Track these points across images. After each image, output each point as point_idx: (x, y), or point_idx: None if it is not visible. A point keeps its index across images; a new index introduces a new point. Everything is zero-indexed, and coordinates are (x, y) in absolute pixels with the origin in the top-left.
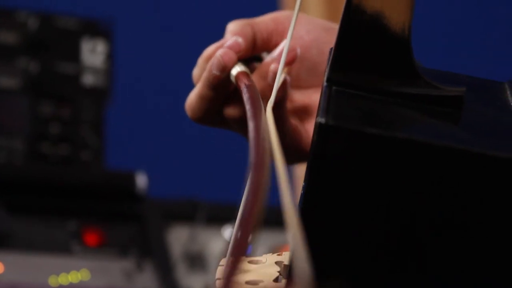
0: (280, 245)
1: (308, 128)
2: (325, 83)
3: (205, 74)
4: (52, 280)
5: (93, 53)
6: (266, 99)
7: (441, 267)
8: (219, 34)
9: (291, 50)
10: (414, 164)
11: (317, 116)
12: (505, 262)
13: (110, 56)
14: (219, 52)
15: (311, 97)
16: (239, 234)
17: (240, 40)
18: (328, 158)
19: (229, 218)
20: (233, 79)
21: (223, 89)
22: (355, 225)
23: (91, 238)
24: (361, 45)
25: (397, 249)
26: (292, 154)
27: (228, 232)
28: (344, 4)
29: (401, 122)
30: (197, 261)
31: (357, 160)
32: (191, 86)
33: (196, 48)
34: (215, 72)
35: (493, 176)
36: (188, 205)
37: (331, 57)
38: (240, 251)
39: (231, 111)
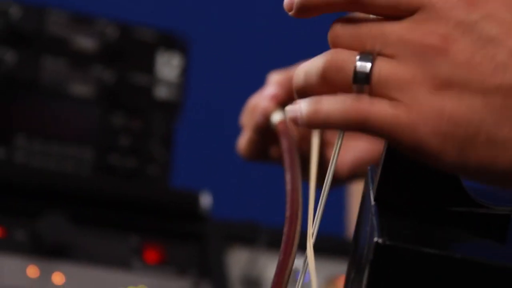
0: (336, 275)
1: (328, 154)
2: (373, 203)
3: (250, 121)
4: None
5: (168, 66)
6: (305, 141)
7: None
8: (292, 54)
9: None
10: (469, 282)
11: (371, 236)
12: None
13: (185, 70)
14: (260, 101)
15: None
16: None
17: (278, 89)
18: (385, 276)
19: None
20: (273, 126)
21: (267, 132)
22: None
23: (151, 255)
24: (407, 163)
25: None
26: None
27: None
28: None
29: (452, 240)
30: (255, 285)
31: (413, 278)
32: None
33: (270, 67)
34: (258, 119)
35: None
36: (249, 228)
37: (377, 177)
38: None
39: (275, 153)
